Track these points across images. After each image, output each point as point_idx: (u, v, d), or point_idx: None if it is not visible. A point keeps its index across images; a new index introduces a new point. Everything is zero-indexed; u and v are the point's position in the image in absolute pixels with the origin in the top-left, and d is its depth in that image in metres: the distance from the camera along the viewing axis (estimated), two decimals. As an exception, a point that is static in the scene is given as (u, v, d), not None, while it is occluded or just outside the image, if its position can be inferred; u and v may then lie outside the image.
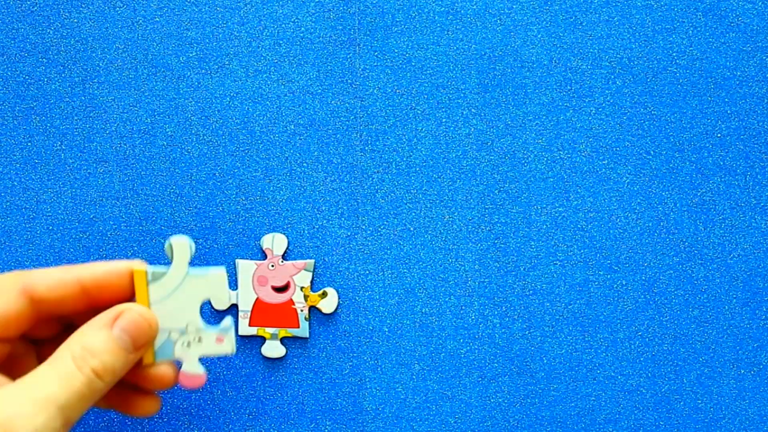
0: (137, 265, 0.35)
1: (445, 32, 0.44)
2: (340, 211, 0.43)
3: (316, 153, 0.43)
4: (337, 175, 0.43)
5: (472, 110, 0.44)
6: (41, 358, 0.36)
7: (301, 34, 0.44)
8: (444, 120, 0.44)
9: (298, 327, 0.43)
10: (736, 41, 0.45)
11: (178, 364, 0.37)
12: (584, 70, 0.44)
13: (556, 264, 0.44)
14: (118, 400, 0.36)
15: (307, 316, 0.43)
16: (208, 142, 0.43)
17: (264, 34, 0.44)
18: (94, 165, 0.43)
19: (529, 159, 0.44)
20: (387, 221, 0.43)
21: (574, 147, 0.44)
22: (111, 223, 0.43)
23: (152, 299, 0.36)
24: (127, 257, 0.42)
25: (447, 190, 0.44)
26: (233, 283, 0.43)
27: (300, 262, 0.43)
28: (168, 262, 0.36)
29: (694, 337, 0.44)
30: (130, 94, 0.43)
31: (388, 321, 0.43)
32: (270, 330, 0.42)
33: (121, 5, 0.43)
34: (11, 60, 0.43)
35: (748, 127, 0.44)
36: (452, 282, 0.43)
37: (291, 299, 0.43)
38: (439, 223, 0.43)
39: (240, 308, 0.42)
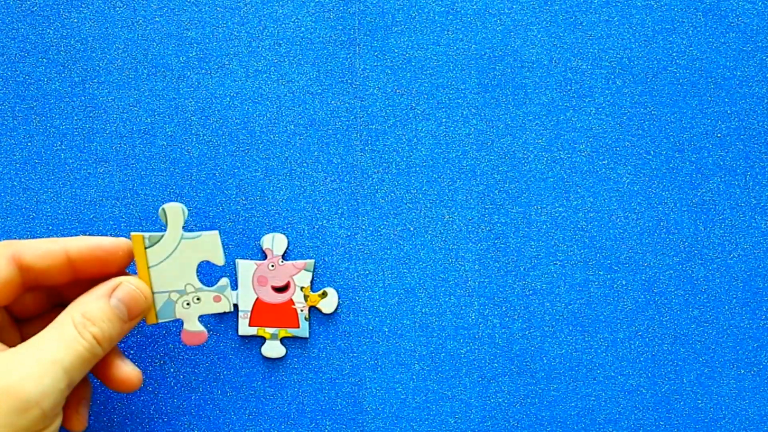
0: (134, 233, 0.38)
1: (445, 32, 0.44)
2: (340, 211, 0.43)
3: (316, 153, 0.43)
4: (337, 175, 0.43)
5: (472, 110, 0.44)
6: (24, 336, 0.37)
7: (301, 34, 0.44)
8: (444, 120, 0.44)
9: (298, 327, 0.43)
10: (736, 41, 0.45)
11: (168, 326, 0.40)
12: (584, 70, 0.44)
13: (556, 264, 0.44)
14: (103, 369, 0.37)
15: (307, 316, 0.43)
16: (208, 142, 0.43)
17: (264, 34, 0.44)
18: (94, 165, 0.43)
19: (529, 159, 0.44)
20: (387, 221, 0.43)
21: (574, 147, 0.44)
22: (111, 223, 0.43)
23: (151, 263, 0.38)
24: (127, 257, 0.42)
25: (447, 190, 0.44)
26: (233, 284, 0.43)
27: (300, 262, 0.43)
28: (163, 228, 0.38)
29: (694, 337, 0.44)
30: (130, 94, 0.43)
31: (388, 321, 0.43)
32: (270, 330, 0.42)
33: (121, 5, 0.43)
34: (11, 60, 0.43)
35: (748, 127, 0.44)
36: (452, 282, 0.43)
37: (291, 299, 0.43)
38: (439, 223, 0.43)
39: (240, 308, 0.42)
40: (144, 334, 0.43)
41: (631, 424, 0.43)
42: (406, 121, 0.44)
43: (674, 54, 0.44)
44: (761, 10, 0.45)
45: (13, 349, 0.33)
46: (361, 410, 0.43)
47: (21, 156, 0.43)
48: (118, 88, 0.43)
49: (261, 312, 0.42)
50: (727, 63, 0.45)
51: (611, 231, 0.44)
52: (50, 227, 0.43)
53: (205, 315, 0.40)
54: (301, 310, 0.43)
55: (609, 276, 0.44)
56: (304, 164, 0.43)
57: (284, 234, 0.43)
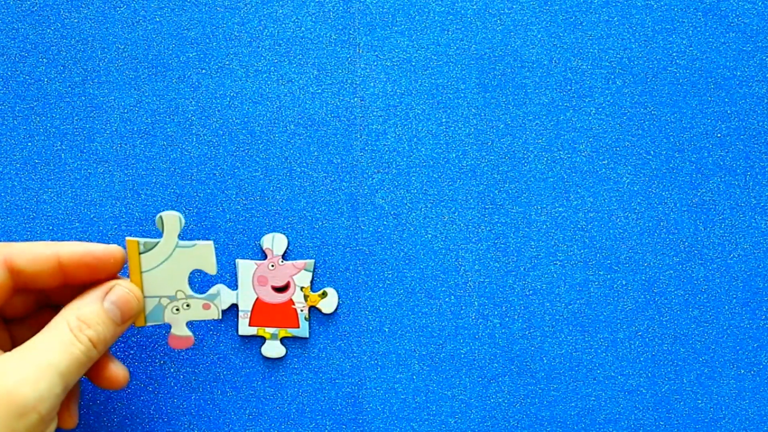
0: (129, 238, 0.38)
1: (445, 32, 0.44)
2: (340, 211, 0.43)
3: (316, 153, 0.43)
4: (337, 175, 0.43)
5: (472, 110, 0.44)
6: (13, 337, 0.37)
7: (301, 34, 0.44)
8: (444, 120, 0.44)
9: (298, 327, 0.43)
10: (736, 41, 0.45)
11: (167, 327, 0.40)
12: (584, 70, 0.44)
13: (556, 264, 0.44)
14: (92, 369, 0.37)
15: (307, 316, 0.43)
16: (208, 142, 0.43)
17: (264, 34, 0.44)
18: (94, 165, 0.43)
19: (529, 159, 0.44)
20: (387, 221, 0.43)
21: (574, 147, 0.44)
22: (111, 223, 0.43)
23: (144, 268, 0.38)
24: (127, 257, 0.42)
25: (447, 190, 0.44)
26: (233, 283, 0.43)
27: (300, 262, 0.43)
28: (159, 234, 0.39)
29: (694, 337, 0.44)
30: (130, 94, 0.43)
31: (388, 321, 0.43)
32: (270, 330, 0.42)
33: (121, 5, 0.43)
34: (11, 60, 0.43)
35: (748, 127, 0.44)
36: (452, 282, 0.43)
37: (291, 299, 0.43)
38: (439, 223, 0.43)
39: (240, 308, 0.42)
40: (144, 334, 0.43)
41: (631, 424, 0.43)
42: (406, 121, 0.44)
43: (674, 54, 0.44)
44: (761, 10, 0.45)
45: (8, 353, 0.33)
46: (361, 410, 0.43)
47: (21, 156, 0.43)
48: (118, 88, 0.43)
49: (261, 312, 0.42)
50: (727, 63, 0.45)
51: (611, 231, 0.44)
52: (50, 227, 0.43)
53: (194, 321, 0.41)
54: (301, 310, 0.43)
55: (609, 276, 0.44)
56: (304, 164, 0.43)
57: (284, 234, 0.43)
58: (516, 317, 0.43)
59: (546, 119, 0.44)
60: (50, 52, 0.43)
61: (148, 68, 0.43)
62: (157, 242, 0.39)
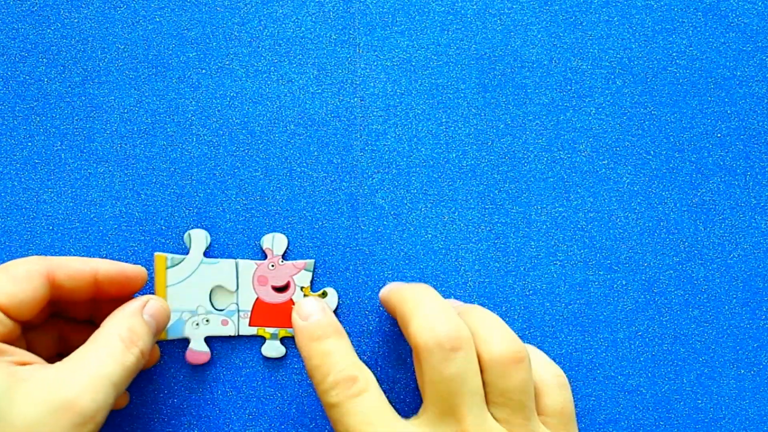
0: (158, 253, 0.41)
1: (445, 32, 0.44)
2: (340, 211, 0.43)
3: (316, 153, 0.43)
4: (337, 175, 0.43)
5: (472, 110, 0.44)
6: (28, 342, 0.38)
7: (301, 34, 0.44)
8: (444, 120, 0.44)
9: (298, 327, 0.43)
10: (736, 41, 0.45)
11: (186, 342, 0.42)
12: (584, 70, 0.44)
13: (556, 264, 0.44)
14: None
15: (307, 316, 0.43)
16: (208, 142, 0.43)
17: (264, 34, 0.44)
18: (94, 165, 0.43)
19: (529, 159, 0.44)
20: (387, 221, 0.43)
21: (574, 147, 0.44)
22: (111, 223, 0.43)
23: (169, 282, 0.41)
24: (127, 257, 0.42)
25: (447, 190, 0.44)
26: (233, 284, 0.43)
27: (300, 262, 0.43)
28: (186, 251, 0.42)
29: (694, 337, 0.44)
30: (130, 94, 0.43)
31: (388, 321, 0.43)
32: (270, 330, 0.42)
33: (121, 5, 0.43)
34: (11, 60, 0.43)
35: (748, 127, 0.44)
36: (452, 282, 0.43)
37: (291, 299, 0.43)
38: (439, 223, 0.43)
39: (240, 308, 0.42)
40: (144, 334, 0.43)
41: (631, 424, 0.43)
42: (406, 121, 0.44)
43: (674, 54, 0.44)
44: (761, 10, 0.45)
45: (59, 364, 0.34)
46: (361, 410, 0.43)
47: (21, 156, 0.43)
48: (118, 88, 0.43)
49: (261, 312, 0.42)
50: (727, 63, 0.45)
51: (611, 231, 0.44)
52: (50, 227, 0.43)
53: (210, 337, 0.42)
54: (301, 310, 0.43)
55: (609, 276, 0.44)
56: (304, 164, 0.43)
57: (284, 234, 0.43)
58: (516, 317, 0.43)
59: (546, 119, 0.44)
60: (50, 52, 0.43)
61: (148, 68, 0.43)
62: (184, 258, 0.41)
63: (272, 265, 0.43)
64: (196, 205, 0.43)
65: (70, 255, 0.42)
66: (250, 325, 0.42)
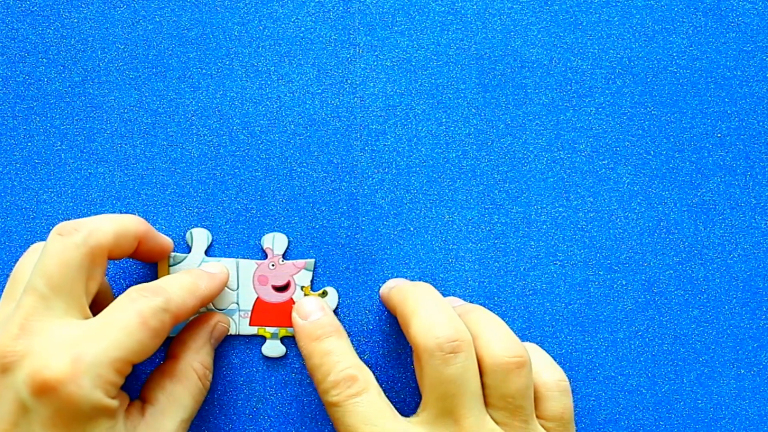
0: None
1: (445, 32, 0.44)
2: (340, 211, 0.43)
3: (316, 153, 0.43)
4: (337, 175, 0.43)
5: (472, 110, 0.44)
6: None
7: (301, 34, 0.44)
8: (444, 120, 0.44)
9: (298, 327, 0.43)
10: (736, 41, 0.45)
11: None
12: (584, 70, 0.44)
13: (556, 264, 0.44)
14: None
15: (307, 316, 0.43)
16: (208, 142, 0.43)
17: (264, 34, 0.44)
18: (94, 165, 0.43)
19: (529, 159, 0.44)
20: (387, 221, 0.43)
21: (574, 147, 0.44)
22: (111, 223, 0.43)
23: None
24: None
25: (447, 190, 0.44)
26: (234, 283, 0.43)
27: (300, 262, 0.43)
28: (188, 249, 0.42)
29: (694, 337, 0.44)
30: (130, 94, 0.43)
31: (388, 321, 0.43)
32: (270, 329, 0.42)
33: (121, 5, 0.43)
34: (11, 60, 0.43)
35: (748, 127, 0.44)
36: (452, 282, 0.43)
37: (291, 298, 0.43)
38: (439, 223, 0.43)
39: (240, 308, 0.42)
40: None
41: (631, 424, 0.43)
42: (406, 121, 0.44)
43: (674, 54, 0.44)
44: (761, 10, 0.45)
45: (149, 414, 0.36)
46: (361, 410, 0.43)
47: (21, 156, 0.43)
48: (118, 88, 0.43)
49: (261, 311, 0.42)
50: (727, 63, 0.45)
51: (611, 231, 0.44)
52: (50, 227, 0.43)
53: None
54: (301, 310, 0.43)
55: (609, 276, 0.44)
56: (304, 164, 0.43)
57: (284, 234, 0.43)
58: (516, 317, 0.43)
59: (546, 119, 0.44)
60: (50, 52, 0.43)
61: (148, 68, 0.43)
62: (185, 257, 0.42)
63: (273, 265, 0.43)
64: (196, 204, 0.43)
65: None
66: (250, 324, 0.42)
